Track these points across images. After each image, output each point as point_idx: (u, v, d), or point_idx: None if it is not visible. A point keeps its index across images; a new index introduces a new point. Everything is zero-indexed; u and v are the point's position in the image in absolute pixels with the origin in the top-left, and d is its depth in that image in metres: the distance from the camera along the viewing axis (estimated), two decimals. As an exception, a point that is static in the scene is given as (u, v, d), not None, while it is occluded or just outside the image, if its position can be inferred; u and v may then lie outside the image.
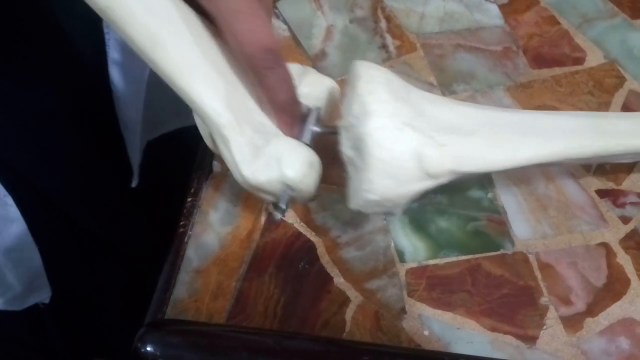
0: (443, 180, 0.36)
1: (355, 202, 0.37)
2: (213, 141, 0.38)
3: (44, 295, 0.61)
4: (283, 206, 0.37)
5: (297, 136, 0.38)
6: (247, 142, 0.36)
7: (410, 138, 0.34)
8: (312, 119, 0.39)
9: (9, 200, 0.51)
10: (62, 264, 0.61)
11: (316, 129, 0.38)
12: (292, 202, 0.38)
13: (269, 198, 0.38)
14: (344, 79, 0.51)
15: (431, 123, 0.36)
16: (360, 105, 0.34)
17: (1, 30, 0.47)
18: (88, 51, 0.53)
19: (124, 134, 0.60)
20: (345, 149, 0.37)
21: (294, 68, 0.39)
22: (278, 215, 0.38)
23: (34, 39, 0.50)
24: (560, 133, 0.39)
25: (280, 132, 0.38)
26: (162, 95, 0.38)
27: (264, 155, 0.36)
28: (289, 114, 0.37)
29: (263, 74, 0.35)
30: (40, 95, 0.52)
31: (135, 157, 0.63)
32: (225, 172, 0.45)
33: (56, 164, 0.57)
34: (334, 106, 0.41)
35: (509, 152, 0.37)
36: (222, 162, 0.43)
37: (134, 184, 0.65)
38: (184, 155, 0.48)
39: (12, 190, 0.51)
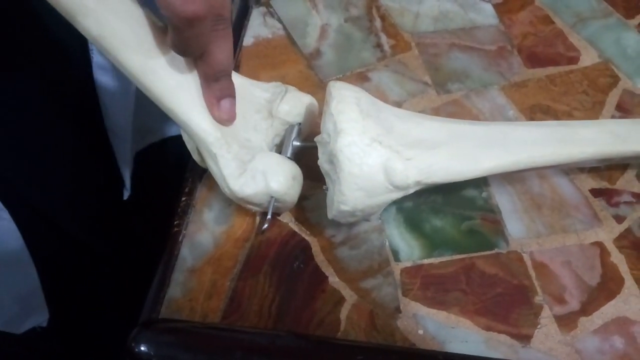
0: (410, 191, 0.39)
1: (331, 212, 0.39)
2: (200, 156, 0.41)
3: (41, 318, 0.59)
4: (269, 216, 0.40)
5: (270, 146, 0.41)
6: (233, 157, 0.38)
7: (378, 153, 0.37)
8: (293, 134, 0.42)
9: (4, 214, 0.49)
10: (58, 280, 0.59)
11: (297, 143, 0.42)
12: (275, 211, 0.41)
13: (255, 209, 0.41)
14: (339, 78, 0.51)
15: (398, 138, 0.38)
16: (333, 124, 0.37)
17: None
18: (75, 59, 0.52)
19: (113, 143, 0.59)
20: (322, 162, 0.39)
21: (275, 86, 0.42)
22: (264, 225, 0.40)
23: (25, 49, 0.49)
24: (523, 143, 0.41)
25: (266, 147, 0.40)
26: (150, 102, 0.38)
27: (251, 170, 0.39)
28: (221, 86, 0.37)
29: (213, 37, 0.35)
30: (27, 104, 0.51)
31: (126, 167, 0.61)
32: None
33: (46, 175, 0.54)
34: (314, 121, 0.44)
35: (471, 163, 0.39)
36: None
37: (125, 196, 0.64)
38: (174, 164, 0.47)
39: (6, 205, 0.49)
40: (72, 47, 0.51)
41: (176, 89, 0.37)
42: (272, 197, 0.39)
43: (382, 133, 0.38)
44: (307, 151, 0.41)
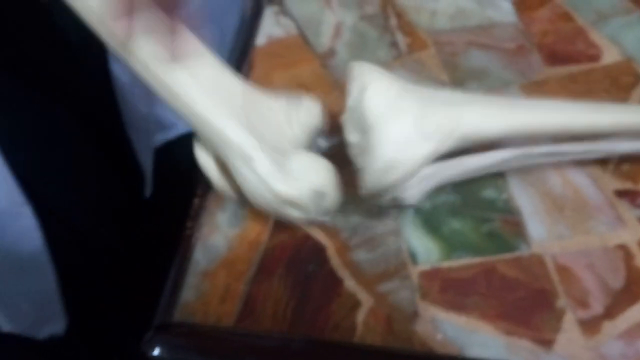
0: (442, 145, 0.38)
1: (364, 180, 0.38)
2: (221, 173, 0.40)
3: (58, 325, 0.57)
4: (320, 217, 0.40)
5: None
6: (270, 159, 0.38)
7: (407, 104, 0.37)
8: (317, 136, 0.42)
9: (27, 210, 0.48)
10: (76, 284, 0.58)
11: (323, 142, 0.43)
12: (319, 213, 0.40)
13: (296, 214, 0.39)
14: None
15: (424, 96, 0.39)
16: (359, 85, 0.38)
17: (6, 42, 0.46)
18: (90, 55, 0.51)
19: (132, 137, 0.58)
20: (351, 137, 0.39)
21: (288, 95, 0.41)
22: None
23: (39, 49, 0.49)
24: (551, 108, 0.42)
25: (293, 149, 0.40)
26: None
27: (289, 169, 0.38)
28: None
29: None
30: (42, 104, 0.51)
31: (146, 161, 0.60)
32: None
33: (65, 176, 0.55)
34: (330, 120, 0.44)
35: (501, 119, 0.40)
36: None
37: (147, 193, 0.63)
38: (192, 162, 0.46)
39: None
40: (86, 45, 0.51)
41: (206, 92, 0.37)
42: (316, 192, 0.39)
43: (408, 90, 0.38)
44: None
